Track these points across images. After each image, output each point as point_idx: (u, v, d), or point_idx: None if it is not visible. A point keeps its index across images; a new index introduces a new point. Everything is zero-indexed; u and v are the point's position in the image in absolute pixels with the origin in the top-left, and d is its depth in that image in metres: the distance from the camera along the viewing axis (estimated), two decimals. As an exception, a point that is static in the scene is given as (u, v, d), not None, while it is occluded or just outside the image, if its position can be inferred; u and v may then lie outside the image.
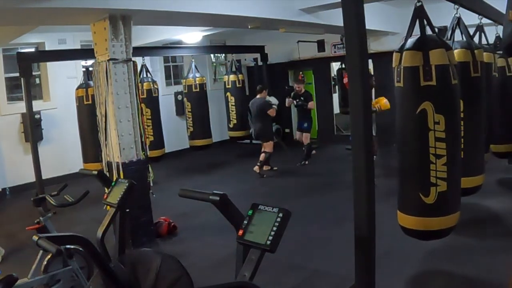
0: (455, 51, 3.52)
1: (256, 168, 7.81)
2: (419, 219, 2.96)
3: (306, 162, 8.48)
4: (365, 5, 2.28)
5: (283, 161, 8.61)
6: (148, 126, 7.67)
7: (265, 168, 8.07)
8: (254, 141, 11.15)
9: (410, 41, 2.93)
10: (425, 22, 2.94)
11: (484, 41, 4.56)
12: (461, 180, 3.15)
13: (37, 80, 8.62)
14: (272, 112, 7.87)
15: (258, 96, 8.08)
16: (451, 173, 2.88)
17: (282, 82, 11.31)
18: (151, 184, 5.48)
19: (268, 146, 7.94)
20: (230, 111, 9.61)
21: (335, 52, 10.36)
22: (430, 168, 2.87)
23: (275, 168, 8.23)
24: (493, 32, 4.92)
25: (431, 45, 2.87)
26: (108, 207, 2.69)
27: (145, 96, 7.67)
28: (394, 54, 3.00)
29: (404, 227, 3.09)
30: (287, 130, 11.58)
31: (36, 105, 7.36)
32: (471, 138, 3.57)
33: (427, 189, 2.89)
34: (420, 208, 2.94)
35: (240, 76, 9.63)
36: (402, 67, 2.91)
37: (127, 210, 2.85)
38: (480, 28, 4.42)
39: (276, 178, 7.82)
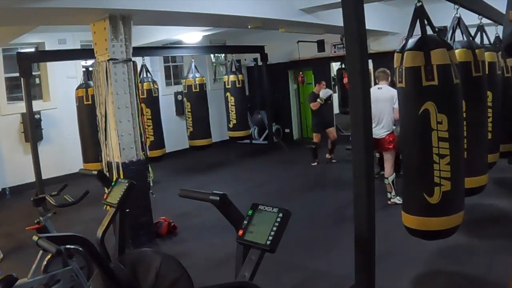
0: (456, 51, 3.51)
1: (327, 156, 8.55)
2: (423, 219, 2.95)
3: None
4: (365, 5, 2.28)
5: (283, 161, 8.61)
6: (148, 126, 7.67)
7: (327, 156, 8.63)
8: (253, 141, 11.20)
9: (411, 42, 2.93)
10: (426, 22, 2.94)
11: (485, 41, 4.55)
12: (465, 180, 3.13)
13: (37, 80, 8.63)
14: (313, 105, 8.19)
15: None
16: (454, 172, 2.87)
17: (282, 82, 11.33)
18: (151, 184, 5.48)
19: (315, 137, 8.44)
20: (230, 111, 9.61)
21: (335, 52, 10.36)
22: (433, 168, 2.85)
23: (334, 161, 8.59)
24: (493, 32, 4.91)
25: (432, 45, 2.87)
26: (108, 207, 2.69)
27: (145, 96, 7.68)
28: (396, 54, 2.99)
29: (408, 227, 3.09)
30: (287, 130, 11.59)
31: (36, 105, 7.37)
32: (474, 138, 3.56)
33: (431, 189, 2.87)
34: (424, 208, 2.92)
35: (240, 76, 9.63)
36: (403, 67, 2.90)
37: (127, 210, 2.85)
38: (481, 28, 4.42)
39: (276, 178, 7.82)
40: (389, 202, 5.73)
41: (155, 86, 8.14)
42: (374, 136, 5.74)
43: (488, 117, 4.17)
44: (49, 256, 3.19)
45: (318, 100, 8.15)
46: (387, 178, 5.83)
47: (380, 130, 5.78)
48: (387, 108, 5.70)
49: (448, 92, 2.87)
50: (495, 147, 4.43)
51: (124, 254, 2.40)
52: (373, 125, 5.74)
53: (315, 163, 8.44)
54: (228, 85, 9.59)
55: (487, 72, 4.05)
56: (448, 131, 2.83)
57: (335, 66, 10.87)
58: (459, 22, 3.74)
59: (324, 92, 8.20)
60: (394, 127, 5.81)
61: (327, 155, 8.65)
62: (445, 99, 2.86)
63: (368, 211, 2.31)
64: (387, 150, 5.83)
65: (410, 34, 2.95)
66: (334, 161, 8.59)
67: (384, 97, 5.72)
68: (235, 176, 8.26)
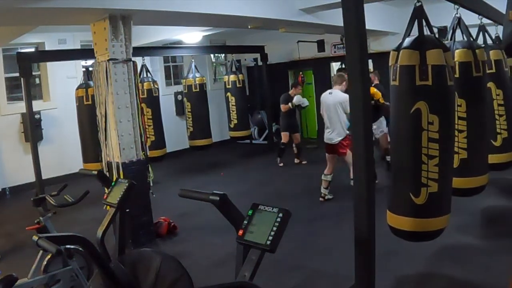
0: (456, 51, 3.51)
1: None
2: (408, 220, 2.92)
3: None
4: (365, 5, 2.29)
5: (282, 161, 8.60)
6: (149, 126, 7.67)
7: (296, 161, 8.70)
8: (253, 141, 11.19)
9: (407, 40, 2.93)
10: (424, 23, 2.94)
11: (488, 41, 4.54)
12: (464, 180, 3.12)
13: (37, 80, 8.63)
14: (283, 108, 8.33)
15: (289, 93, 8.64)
16: (442, 174, 2.85)
17: (282, 82, 11.32)
18: (151, 184, 5.48)
19: (283, 136, 8.54)
20: (231, 111, 9.61)
21: (335, 52, 10.36)
22: (421, 169, 2.83)
23: (304, 162, 8.65)
24: (493, 32, 4.90)
25: (428, 45, 2.86)
26: (108, 207, 2.69)
27: (145, 96, 7.67)
28: (391, 52, 2.99)
29: (393, 227, 3.06)
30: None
31: (36, 105, 7.37)
32: (473, 138, 3.55)
33: (417, 189, 2.86)
34: (410, 208, 2.90)
35: (240, 76, 9.62)
36: (398, 65, 2.90)
37: (127, 210, 2.85)
38: (482, 28, 4.42)
39: (276, 178, 7.82)
40: (321, 199, 5.99)
41: (155, 86, 8.14)
42: (327, 141, 5.82)
43: (501, 115, 4.17)
44: (49, 256, 3.19)
45: (290, 104, 8.24)
46: (330, 175, 5.94)
47: (331, 135, 5.78)
48: (336, 114, 5.70)
49: (441, 93, 2.87)
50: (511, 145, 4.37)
51: (124, 254, 2.40)
52: (327, 130, 5.77)
53: (281, 164, 8.51)
54: (228, 85, 9.59)
55: (494, 70, 4.04)
56: (438, 132, 2.81)
57: (335, 66, 10.86)
58: (459, 22, 3.73)
59: (298, 99, 8.28)
60: (348, 132, 5.72)
61: (296, 160, 8.68)
62: (438, 99, 2.85)
63: (368, 211, 2.31)
64: (341, 155, 5.80)
65: (407, 33, 2.95)
66: (304, 162, 8.64)
67: (333, 103, 5.75)
68: (235, 176, 8.26)
